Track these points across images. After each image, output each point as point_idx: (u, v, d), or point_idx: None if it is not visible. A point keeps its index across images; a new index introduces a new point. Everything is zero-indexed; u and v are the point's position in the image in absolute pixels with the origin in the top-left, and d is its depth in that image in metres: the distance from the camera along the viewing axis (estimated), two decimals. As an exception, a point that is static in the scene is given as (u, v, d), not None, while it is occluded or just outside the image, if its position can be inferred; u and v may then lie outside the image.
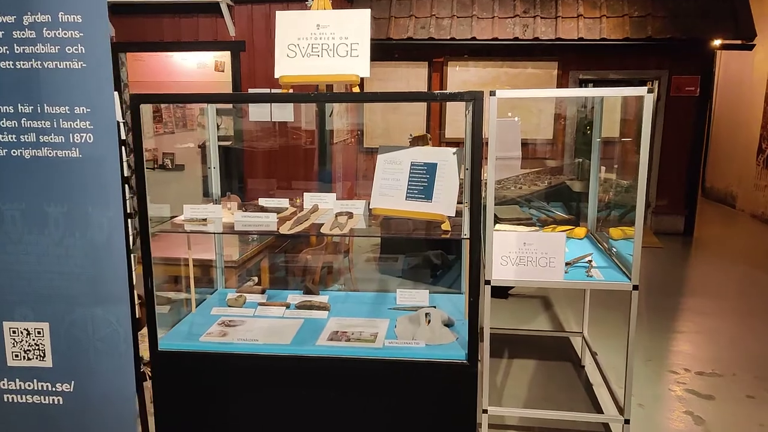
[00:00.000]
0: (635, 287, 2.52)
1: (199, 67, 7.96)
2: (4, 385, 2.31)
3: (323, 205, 2.56)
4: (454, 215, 2.19)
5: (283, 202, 2.58)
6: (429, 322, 2.30)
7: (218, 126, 8.19)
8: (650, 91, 2.32)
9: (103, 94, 2.09)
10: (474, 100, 1.91)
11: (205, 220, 2.35)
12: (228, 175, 7.24)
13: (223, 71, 7.73)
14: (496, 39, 6.94)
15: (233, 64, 6.12)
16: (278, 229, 2.22)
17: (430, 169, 2.20)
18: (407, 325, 2.34)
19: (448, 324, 2.35)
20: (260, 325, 2.41)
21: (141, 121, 2.09)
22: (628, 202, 2.82)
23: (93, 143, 2.12)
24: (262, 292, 2.74)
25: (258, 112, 6.17)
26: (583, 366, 3.68)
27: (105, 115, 2.10)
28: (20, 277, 2.24)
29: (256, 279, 4.62)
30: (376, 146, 7.48)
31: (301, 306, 2.56)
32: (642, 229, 2.50)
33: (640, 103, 2.35)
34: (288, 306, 2.60)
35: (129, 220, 2.23)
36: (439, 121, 7.74)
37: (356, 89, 2.20)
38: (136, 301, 2.32)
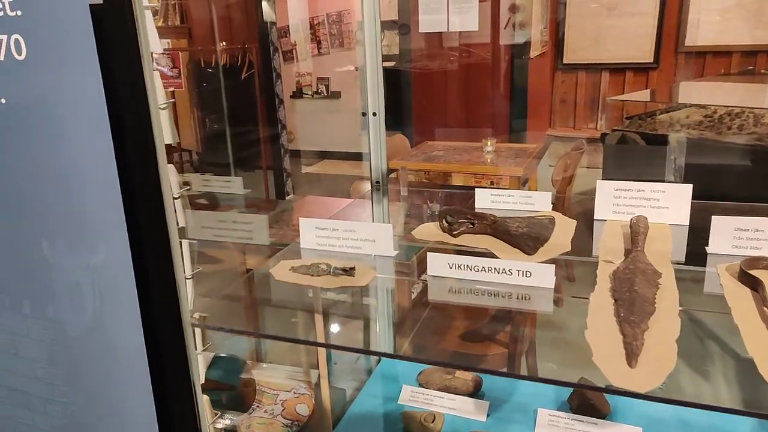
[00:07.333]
0: None
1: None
2: None
3: (657, 214, 0.95)
4: None
5: (539, 200, 1.02)
6: None
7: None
8: None
9: None
10: None
11: (352, 268, 0.86)
12: (391, 109, 5.83)
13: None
14: None
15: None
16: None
17: None
18: None
19: None
20: None
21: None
22: None
23: (25, 61, 0.72)
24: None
25: (431, 21, 4.53)
26: None
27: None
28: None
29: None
30: (579, 62, 5.52)
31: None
32: None
33: None
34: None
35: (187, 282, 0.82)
36: (677, 23, 5.48)
37: None
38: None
